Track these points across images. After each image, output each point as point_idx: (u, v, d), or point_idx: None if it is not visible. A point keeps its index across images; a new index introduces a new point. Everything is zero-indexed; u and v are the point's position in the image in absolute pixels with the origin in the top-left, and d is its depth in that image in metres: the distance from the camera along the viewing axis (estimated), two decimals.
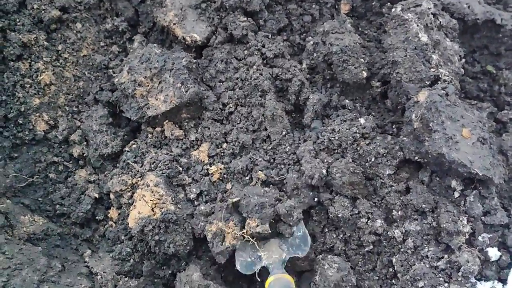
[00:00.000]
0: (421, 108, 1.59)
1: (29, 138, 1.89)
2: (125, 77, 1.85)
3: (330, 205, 1.71)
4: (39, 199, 1.88)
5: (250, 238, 1.61)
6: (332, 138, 1.75)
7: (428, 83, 1.72)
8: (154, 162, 1.79)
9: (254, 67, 1.84)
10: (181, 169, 1.80)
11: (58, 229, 1.84)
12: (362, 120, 1.79)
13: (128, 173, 1.84)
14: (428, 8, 1.80)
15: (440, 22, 1.83)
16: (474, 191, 1.63)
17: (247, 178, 1.77)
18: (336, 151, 1.76)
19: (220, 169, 1.79)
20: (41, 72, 1.91)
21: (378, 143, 1.74)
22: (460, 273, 1.53)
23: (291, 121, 1.89)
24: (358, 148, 1.74)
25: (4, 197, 1.79)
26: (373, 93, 1.92)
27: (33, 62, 1.91)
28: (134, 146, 1.90)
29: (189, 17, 1.95)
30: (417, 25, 1.75)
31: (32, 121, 1.90)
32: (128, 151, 1.89)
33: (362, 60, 1.83)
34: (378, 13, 2.08)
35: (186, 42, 1.94)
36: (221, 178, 1.79)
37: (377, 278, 1.70)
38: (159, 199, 1.68)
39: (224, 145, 1.84)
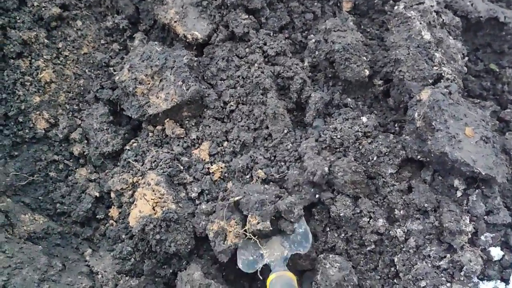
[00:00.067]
0: (424, 107, 1.58)
1: (29, 137, 1.88)
2: (126, 75, 1.84)
3: (332, 204, 1.71)
4: (40, 197, 1.88)
5: (252, 236, 1.61)
6: (334, 137, 1.74)
7: (431, 82, 1.71)
8: (155, 160, 1.79)
9: (256, 65, 1.83)
10: (182, 167, 1.80)
11: (59, 228, 1.83)
12: (364, 119, 1.78)
13: (129, 172, 1.83)
14: (431, 6, 1.79)
15: (443, 20, 1.81)
16: (477, 190, 1.62)
17: (247, 176, 1.76)
18: (338, 149, 1.75)
19: (221, 167, 1.78)
20: (41, 70, 1.90)
21: (380, 142, 1.73)
22: (462, 273, 1.53)
23: (293, 119, 1.88)
24: (360, 146, 1.73)
25: (5, 196, 1.79)
26: (375, 92, 1.90)
27: (33, 60, 1.90)
28: (135, 144, 1.89)
29: (190, 14, 1.94)
30: (420, 23, 1.74)
31: (33, 120, 1.89)
32: (128, 149, 1.88)
33: (364, 58, 1.82)
34: (380, 11, 2.07)
35: (187, 40, 1.93)
36: (222, 177, 1.79)
37: (379, 277, 1.69)
38: (160, 198, 1.67)
39: (225, 144, 1.83)
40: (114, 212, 1.85)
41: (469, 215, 1.59)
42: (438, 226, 1.61)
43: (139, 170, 1.80)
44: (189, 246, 1.67)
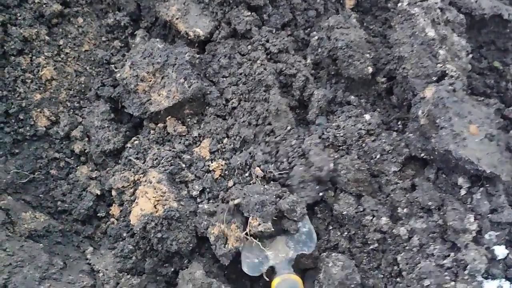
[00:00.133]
0: (428, 104, 1.57)
1: (30, 134, 1.87)
2: (127, 72, 1.83)
3: (335, 203, 1.69)
4: (40, 195, 1.87)
5: (253, 239, 1.59)
6: (337, 135, 1.73)
7: (434, 79, 1.70)
8: (157, 158, 1.78)
9: (258, 61, 1.82)
10: (184, 165, 1.79)
11: (60, 226, 1.82)
12: (367, 116, 1.77)
13: (130, 170, 1.82)
14: (435, 3, 1.78)
15: (447, 17, 1.80)
16: (481, 189, 1.61)
17: (247, 174, 1.75)
18: (341, 147, 1.74)
19: (221, 165, 1.77)
20: (42, 67, 1.89)
21: (383, 140, 1.73)
22: (466, 272, 1.51)
23: (295, 117, 1.87)
24: (363, 144, 1.72)
25: (5, 194, 1.78)
26: (378, 89, 1.89)
27: (34, 57, 1.89)
28: (136, 142, 1.88)
29: (192, 11, 1.93)
30: (424, 20, 1.73)
31: (33, 117, 1.88)
32: (130, 147, 1.87)
33: (367, 55, 1.81)
34: (383, 8, 2.06)
35: (189, 37, 1.92)
36: (222, 175, 1.77)
37: (382, 276, 1.68)
38: (161, 196, 1.66)
39: (225, 140, 1.82)
40: (115, 210, 1.85)
41: (473, 214, 1.58)
42: (442, 225, 1.60)
43: (140, 168, 1.79)
44: (191, 245, 1.66)
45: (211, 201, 1.74)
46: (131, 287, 1.65)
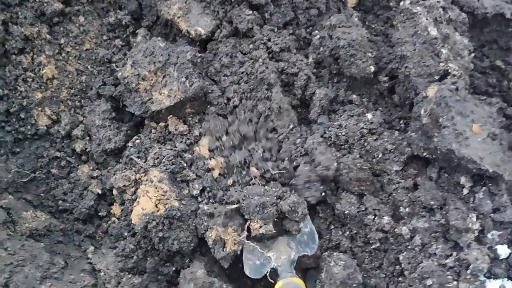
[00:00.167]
0: (431, 103, 1.57)
1: (31, 133, 1.87)
2: (129, 71, 1.83)
3: (337, 202, 1.69)
4: (41, 194, 1.87)
5: (252, 244, 1.58)
6: (339, 134, 1.73)
7: (437, 78, 1.69)
8: (158, 157, 1.77)
9: (260, 60, 1.82)
10: (185, 164, 1.78)
11: (61, 225, 1.82)
12: (369, 116, 1.77)
13: (132, 169, 1.82)
14: (438, 2, 1.77)
15: (450, 15, 1.80)
16: (484, 188, 1.61)
17: (246, 173, 1.74)
18: (343, 146, 1.74)
19: (221, 163, 1.76)
20: (43, 66, 1.89)
21: (385, 139, 1.72)
22: (469, 271, 1.51)
23: (297, 116, 1.86)
24: (365, 144, 1.72)
25: (6, 193, 1.78)
26: (380, 88, 1.89)
27: (35, 56, 1.89)
28: (138, 141, 1.87)
29: (194, 10, 1.92)
30: (426, 19, 1.72)
31: (34, 116, 1.88)
32: (131, 146, 1.86)
33: (369, 54, 1.81)
34: (385, 6, 2.05)
35: (191, 36, 1.91)
36: (222, 173, 1.76)
37: (384, 275, 1.68)
38: (163, 195, 1.65)
39: (224, 138, 1.81)
40: (116, 209, 1.84)
41: (476, 213, 1.58)
42: (444, 224, 1.59)
43: (141, 167, 1.78)
44: (192, 244, 1.66)
45: (211, 200, 1.73)
46: (133, 287, 1.65)
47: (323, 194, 1.70)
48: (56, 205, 1.87)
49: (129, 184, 1.79)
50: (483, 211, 1.58)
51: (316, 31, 1.95)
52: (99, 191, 1.86)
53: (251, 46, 1.89)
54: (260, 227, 1.58)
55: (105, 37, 2.03)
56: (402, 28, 1.80)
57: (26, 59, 1.88)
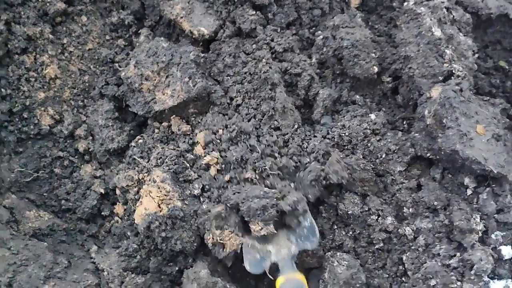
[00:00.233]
0: (435, 104, 1.56)
1: (34, 133, 1.87)
2: (132, 71, 1.83)
3: (340, 202, 1.69)
4: (44, 194, 1.87)
5: (250, 239, 1.58)
6: (343, 134, 1.73)
7: (441, 79, 1.69)
8: (161, 157, 1.77)
9: (264, 60, 1.81)
10: (188, 165, 1.78)
11: (64, 224, 1.82)
12: (372, 116, 1.77)
13: (134, 169, 1.81)
14: (442, 2, 1.77)
15: (454, 16, 1.80)
16: (487, 189, 1.61)
17: (242, 169, 1.73)
18: (346, 147, 1.73)
19: (216, 158, 1.75)
20: (46, 66, 1.89)
21: (389, 139, 1.72)
22: (473, 272, 1.51)
23: (300, 116, 1.86)
24: (369, 144, 1.72)
25: (9, 192, 1.78)
26: (383, 89, 1.89)
27: (38, 56, 1.89)
28: (141, 141, 1.87)
29: (197, 10, 1.92)
30: (431, 19, 1.72)
31: (37, 116, 1.88)
32: (134, 146, 1.86)
33: (373, 55, 1.80)
34: (389, 7, 2.05)
35: (194, 36, 1.91)
36: (219, 170, 1.75)
37: (387, 276, 1.68)
38: (165, 195, 1.65)
39: (221, 132, 1.80)
40: (119, 209, 1.84)
41: (480, 214, 1.58)
42: (448, 225, 1.59)
43: (144, 167, 1.78)
44: (195, 244, 1.66)
45: (211, 200, 1.72)
46: (136, 286, 1.65)
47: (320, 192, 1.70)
48: (59, 205, 1.87)
49: (132, 184, 1.79)
50: (487, 212, 1.58)
51: (320, 32, 1.95)
52: (102, 191, 1.86)
53: (254, 46, 1.89)
54: (261, 229, 1.58)
55: (107, 37, 2.03)
56: (406, 28, 1.79)
57: (29, 59, 1.88)
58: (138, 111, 1.85)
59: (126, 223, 1.79)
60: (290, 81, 1.86)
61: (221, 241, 1.59)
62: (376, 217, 1.66)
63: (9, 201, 1.74)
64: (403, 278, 1.65)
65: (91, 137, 1.93)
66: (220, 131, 1.79)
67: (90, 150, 1.91)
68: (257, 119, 1.80)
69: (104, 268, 1.69)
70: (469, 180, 1.61)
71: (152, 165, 1.76)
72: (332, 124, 1.80)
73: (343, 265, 1.60)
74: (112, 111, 1.91)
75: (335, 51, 1.81)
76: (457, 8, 1.84)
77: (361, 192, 1.69)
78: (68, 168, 1.91)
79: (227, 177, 1.73)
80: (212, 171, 1.75)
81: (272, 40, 1.88)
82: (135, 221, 1.66)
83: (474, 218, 1.56)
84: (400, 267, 1.66)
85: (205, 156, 1.76)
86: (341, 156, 1.67)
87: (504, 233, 1.58)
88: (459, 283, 1.52)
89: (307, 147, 1.74)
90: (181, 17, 1.91)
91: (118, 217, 1.84)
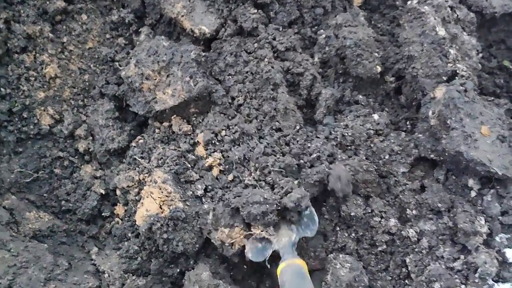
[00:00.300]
0: (439, 105, 1.55)
1: (34, 133, 1.85)
2: (132, 70, 1.81)
3: (343, 204, 1.67)
4: (44, 195, 1.86)
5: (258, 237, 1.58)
6: (345, 134, 1.71)
7: (445, 79, 1.68)
8: (162, 158, 1.75)
9: (266, 59, 1.80)
10: (189, 165, 1.76)
11: (64, 225, 1.81)
12: (375, 116, 1.75)
13: (135, 169, 1.80)
14: (446, 1, 1.75)
15: (458, 15, 1.78)
16: (492, 190, 1.59)
17: (244, 168, 1.72)
18: (349, 147, 1.72)
19: (219, 159, 1.74)
20: (46, 65, 1.87)
21: (392, 140, 1.71)
22: (477, 275, 1.50)
23: (303, 116, 1.84)
24: (372, 145, 1.70)
25: (9, 193, 1.77)
26: (387, 89, 1.87)
27: (38, 55, 1.87)
28: (141, 141, 1.86)
29: (198, 8, 1.90)
30: (434, 19, 1.70)
31: (37, 115, 1.86)
32: (135, 146, 1.85)
33: (376, 54, 1.79)
34: (391, 6, 2.03)
35: (195, 35, 1.89)
36: (222, 170, 1.74)
37: (390, 278, 1.67)
38: (167, 196, 1.64)
39: (223, 133, 1.79)
40: (119, 209, 1.83)
41: (484, 216, 1.56)
42: (452, 227, 1.58)
43: (145, 167, 1.77)
44: (197, 245, 1.65)
45: (214, 200, 1.71)
46: None
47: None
48: (59, 206, 1.86)
49: (133, 185, 1.78)
50: (491, 214, 1.57)
51: (322, 30, 1.93)
52: (102, 192, 1.85)
53: (255, 45, 1.87)
54: (261, 231, 1.57)
55: (108, 36, 2.01)
56: (409, 27, 1.78)
57: (29, 58, 1.86)
58: (138, 110, 1.83)
59: (126, 224, 1.78)
60: (292, 80, 1.85)
61: (230, 239, 1.58)
62: (379, 218, 1.65)
63: (9, 202, 1.72)
64: (407, 281, 1.64)
65: (91, 137, 1.91)
66: (223, 132, 1.77)
67: (90, 150, 1.90)
68: (258, 120, 1.78)
69: (105, 270, 1.68)
70: (473, 181, 1.60)
71: (153, 165, 1.75)
72: (334, 124, 1.78)
73: (346, 267, 1.59)
74: (112, 111, 1.89)
75: (338, 50, 1.80)
76: (461, 7, 1.82)
77: (364, 193, 1.68)
78: (68, 168, 1.90)
79: (230, 177, 1.72)
80: (215, 171, 1.73)
81: (274, 39, 1.86)
82: (137, 223, 1.64)
83: (478, 220, 1.54)
84: (403, 269, 1.65)
85: (207, 157, 1.74)
86: (347, 167, 1.65)
87: (509, 235, 1.57)
88: (463, 286, 1.51)
89: (309, 147, 1.72)
90: (182, 16, 1.89)
91: (119, 218, 1.83)
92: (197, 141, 1.79)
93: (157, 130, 1.86)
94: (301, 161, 1.70)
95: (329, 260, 1.66)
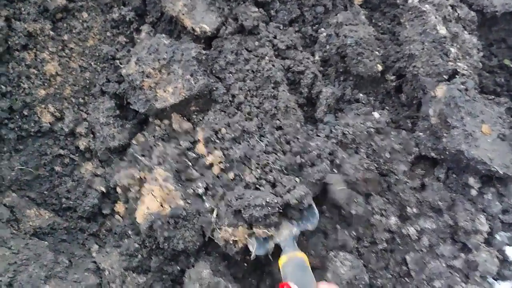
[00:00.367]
0: (440, 103, 1.55)
1: (34, 130, 1.85)
2: (133, 68, 1.81)
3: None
4: (45, 192, 1.85)
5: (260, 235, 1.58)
6: (346, 132, 1.71)
7: (446, 77, 1.68)
8: (163, 156, 1.76)
9: (266, 58, 1.80)
10: (190, 163, 1.77)
11: (65, 223, 1.81)
12: (376, 115, 1.75)
13: (136, 167, 1.80)
14: (446, 0, 1.75)
15: (459, 14, 1.78)
16: (492, 189, 1.59)
17: (245, 166, 1.72)
18: (350, 146, 1.72)
19: (219, 157, 1.74)
20: (46, 63, 1.87)
21: (392, 138, 1.71)
22: (477, 273, 1.50)
23: (303, 115, 1.85)
24: (372, 143, 1.70)
25: (10, 191, 1.76)
26: (387, 87, 1.87)
27: (38, 52, 1.87)
28: (142, 139, 1.86)
29: (199, 7, 1.90)
30: (435, 17, 1.70)
31: (38, 113, 1.86)
32: (135, 144, 1.85)
33: (376, 53, 1.79)
34: (392, 4, 2.03)
35: (195, 33, 1.89)
36: (223, 169, 1.74)
37: (391, 276, 1.67)
38: (168, 194, 1.64)
39: (224, 131, 1.79)
40: (120, 207, 1.83)
41: (485, 214, 1.57)
42: (453, 225, 1.58)
43: (146, 165, 1.77)
44: (198, 243, 1.65)
45: (215, 198, 1.71)
46: (137, 286, 1.64)
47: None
48: (59, 203, 1.85)
49: (133, 182, 1.78)
50: (492, 212, 1.57)
51: (323, 29, 1.93)
52: (103, 189, 1.85)
53: (256, 43, 1.87)
54: (263, 232, 1.57)
55: (108, 34, 2.01)
56: (410, 26, 1.78)
57: (29, 56, 1.86)
58: (139, 108, 1.83)
59: (127, 222, 1.78)
60: (293, 78, 1.85)
61: (234, 238, 1.58)
62: (380, 217, 1.65)
63: (9, 200, 1.72)
64: (407, 279, 1.64)
65: (92, 135, 1.91)
66: (223, 130, 1.77)
67: (91, 148, 1.89)
68: (259, 118, 1.78)
69: (105, 267, 1.68)
70: (474, 180, 1.60)
71: (153, 163, 1.75)
72: (335, 123, 1.78)
73: (346, 265, 1.59)
74: (113, 109, 1.89)
75: (339, 49, 1.80)
76: (462, 6, 1.83)
77: (365, 191, 1.68)
78: (69, 166, 1.90)
79: (231, 175, 1.72)
80: (215, 169, 1.73)
81: (274, 37, 1.86)
82: (137, 221, 1.64)
83: (478, 219, 1.55)
84: (404, 267, 1.65)
85: (207, 155, 1.74)
86: (347, 166, 1.65)
87: (509, 234, 1.58)
88: (463, 284, 1.52)
89: (310, 146, 1.72)
90: (183, 14, 1.89)
91: (119, 215, 1.83)
92: (198, 139, 1.80)
93: (157, 128, 1.86)
94: (302, 159, 1.70)
95: (329, 258, 1.66)
